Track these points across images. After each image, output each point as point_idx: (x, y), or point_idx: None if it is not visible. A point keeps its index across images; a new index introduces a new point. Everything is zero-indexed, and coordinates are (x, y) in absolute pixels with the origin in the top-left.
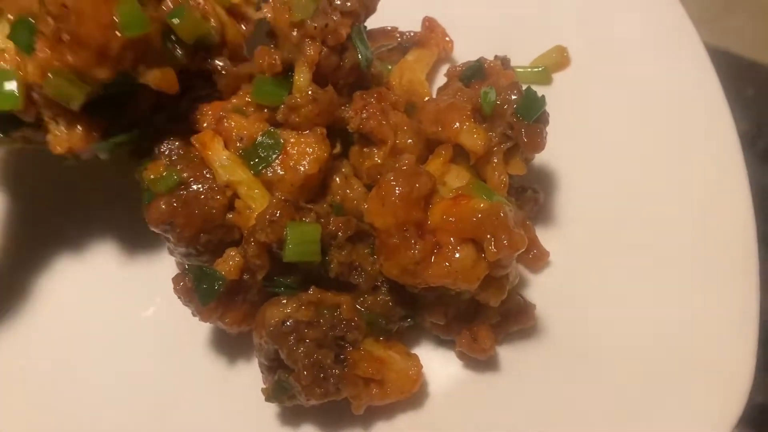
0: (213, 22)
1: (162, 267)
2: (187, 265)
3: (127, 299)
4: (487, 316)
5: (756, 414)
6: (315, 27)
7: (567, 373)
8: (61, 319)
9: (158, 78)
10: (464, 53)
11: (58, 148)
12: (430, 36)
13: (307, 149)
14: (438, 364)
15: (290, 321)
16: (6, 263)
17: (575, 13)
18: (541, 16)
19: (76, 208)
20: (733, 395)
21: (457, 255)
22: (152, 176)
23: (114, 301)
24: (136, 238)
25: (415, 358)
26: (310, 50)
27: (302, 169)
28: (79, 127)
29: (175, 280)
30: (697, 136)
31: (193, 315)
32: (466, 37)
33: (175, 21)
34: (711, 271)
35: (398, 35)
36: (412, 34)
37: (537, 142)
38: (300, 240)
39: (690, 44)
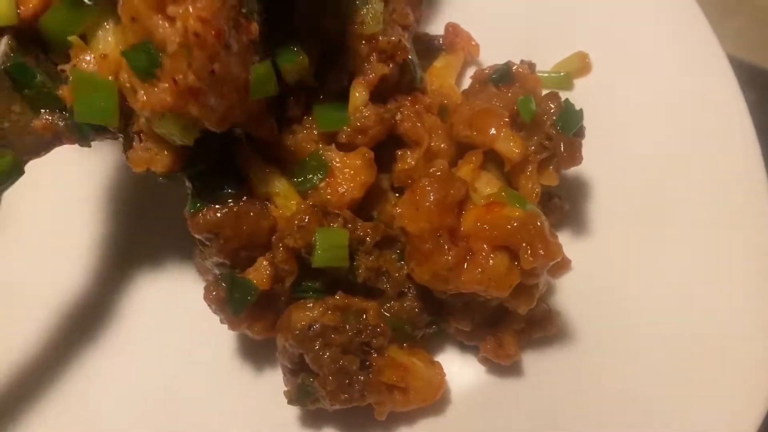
0: None
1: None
2: (220, 274)
3: (152, 300)
4: (511, 322)
5: None
6: (388, 42)
7: (588, 379)
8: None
9: (266, 131)
10: (487, 57)
11: (136, 166)
12: (456, 41)
13: (355, 173)
14: (460, 370)
15: (317, 325)
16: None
17: (596, 19)
18: (563, 23)
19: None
20: (758, 398)
21: (491, 262)
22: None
23: (138, 302)
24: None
25: (438, 366)
26: (380, 66)
27: (348, 193)
28: (165, 152)
29: (207, 289)
30: (717, 143)
31: (222, 323)
32: (487, 41)
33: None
34: (735, 277)
35: (425, 40)
36: (439, 40)
37: (576, 156)
38: (328, 245)
39: (710, 49)
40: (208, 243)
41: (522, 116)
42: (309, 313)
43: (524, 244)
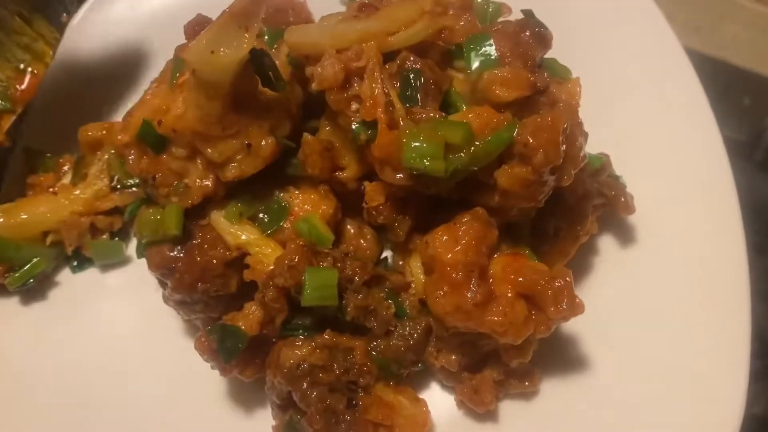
0: None
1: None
2: (210, 326)
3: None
4: (492, 371)
5: (755, 425)
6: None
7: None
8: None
9: None
10: None
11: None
12: None
13: (313, 207)
14: (444, 407)
15: (305, 364)
16: None
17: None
18: None
19: None
20: (730, 409)
21: (515, 308)
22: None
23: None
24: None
25: (423, 403)
26: None
27: None
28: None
29: (198, 339)
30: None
31: (212, 368)
32: None
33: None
34: (704, 289)
35: None
36: None
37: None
38: (318, 285)
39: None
40: (165, 280)
41: None
42: (298, 351)
43: (550, 296)
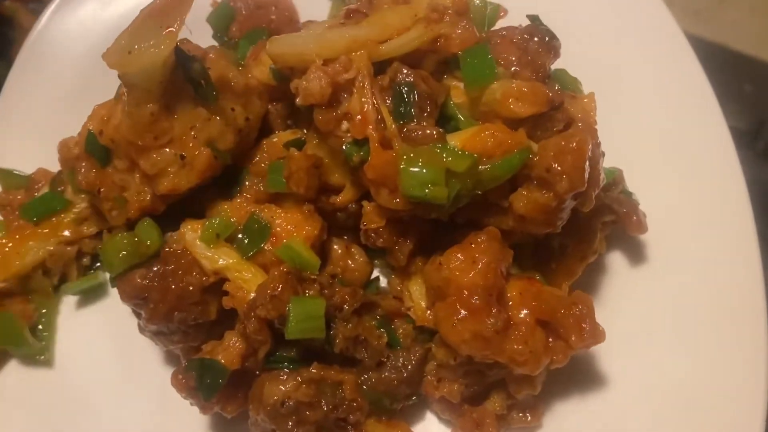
0: None
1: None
2: (187, 360)
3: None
4: (495, 403)
5: None
6: None
7: None
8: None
9: None
10: None
11: None
12: None
13: (296, 228)
14: None
15: (290, 401)
16: None
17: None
18: None
19: None
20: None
21: (534, 336)
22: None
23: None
24: None
25: None
26: None
27: None
28: None
29: (175, 376)
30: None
31: (192, 405)
32: None
33: None
34: (717, 312)
35: None
36: None
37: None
38: (304, 316)
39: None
40: (139, 310)
41: None
42: (282, 386)
43: (572, 324)
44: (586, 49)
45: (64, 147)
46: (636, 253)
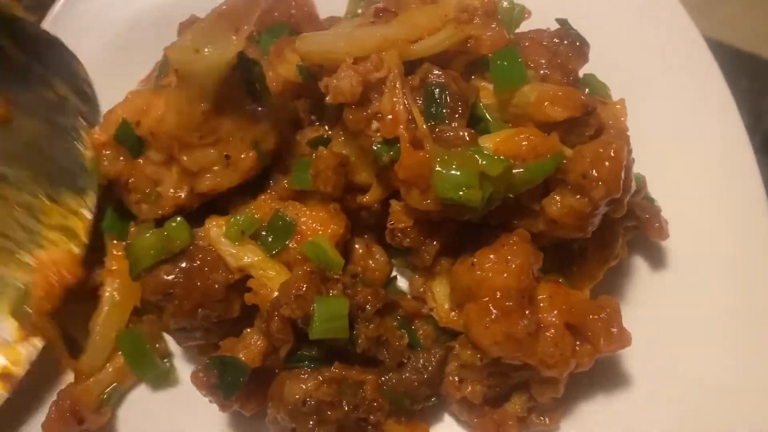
0: None
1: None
2: (209, 358)
3: None
4: (515, 405)
5: None
6: None
7: None
8: None
9: None
10: None
11: None
12: None
13: (321, 226)
14: None
15: (311, 401)
16: None
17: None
18: None
19: None
20: None
21: (564, 339)
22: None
23: None
24: None
25: None
26: None
27: None
28: None
29: (195, 374)
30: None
31: (211, 402)
32: None
33: None
34: (736, 318)
35: None
36: None
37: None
38: (328, 316)
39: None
40: (163, 304)
41: None
42: (303, 385)
43: (601, 328)
44: (607, 54)
45: None
46: (657, 258)
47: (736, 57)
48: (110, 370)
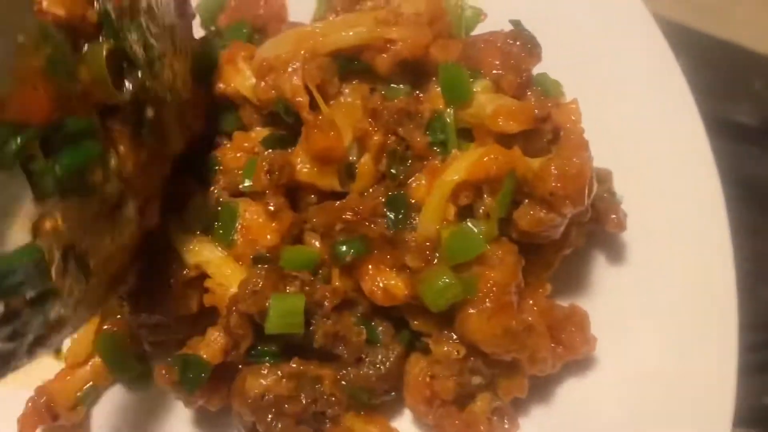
0: None
1: None
2: (171, 356)
3: None
4: (481, 406)
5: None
6: None
7: None
8: None
9: None
10: None
11: None
12: None
13: (265, 221)
14: None
15: (270, 395)
16: None
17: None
18: None
19: None
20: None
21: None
22: None
23: None
24: None
25: None
26: None
27: (262, 241)
28: None
29: (158, 372)
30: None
31: (176, 399)
32: None
33: None
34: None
35: None
36: None
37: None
38: (283, 312)
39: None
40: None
41: None
42: (263, 380)
43: (573, 333)
44: (563, 51)
45: None
46: (615, 250)
47: (750, 59)
48: (88, 368)
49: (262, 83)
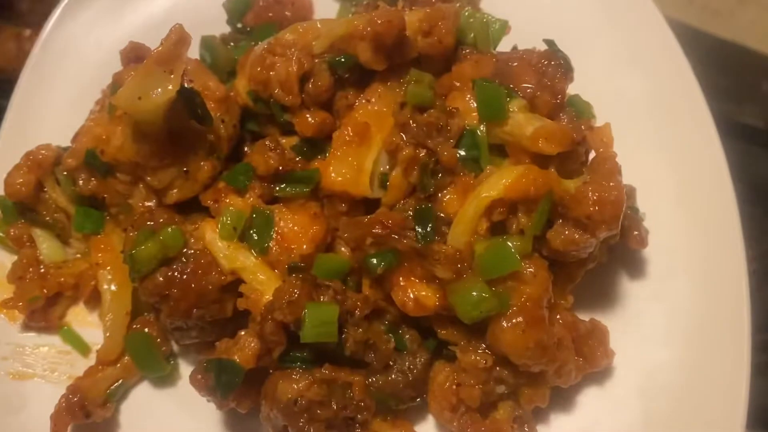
0: None
1: None
2: (206, 360)
3: None
4: (504, 414)
5: None
6: None
7: None
8: None
9: None
10: None
11: None
12: None
13: (302, 228)
14: None
15: (302, 400)
16: None
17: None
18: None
19: None
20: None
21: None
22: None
23: None
24: None
25: None
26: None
27: (296, 249)
28: None
29: (193, 375)
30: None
31: (208, 402)
32: None
33: None
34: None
35: None
36: None
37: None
38: (318, 321)
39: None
40: (160, 307)
41: None
42: (295, 385)
43: (594, 346)
44: (588, 70)
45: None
46: (636, 264)
47: (758, 61)
48: (118, 366)
49: (258, 68)
